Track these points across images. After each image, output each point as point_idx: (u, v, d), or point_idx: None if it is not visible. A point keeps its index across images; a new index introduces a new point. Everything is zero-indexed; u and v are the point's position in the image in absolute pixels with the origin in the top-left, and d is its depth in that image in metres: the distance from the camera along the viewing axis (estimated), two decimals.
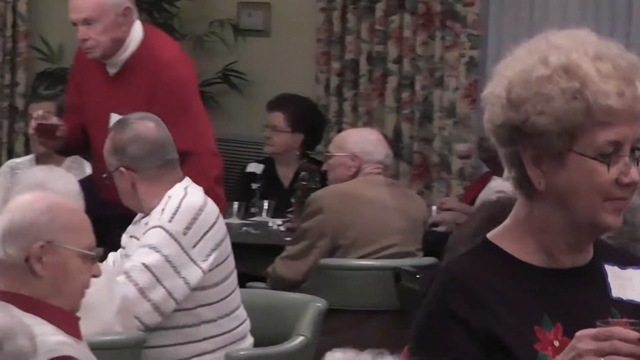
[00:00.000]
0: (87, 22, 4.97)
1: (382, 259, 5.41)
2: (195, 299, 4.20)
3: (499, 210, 3.22)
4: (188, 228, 4.25)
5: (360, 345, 2.51)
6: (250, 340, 4.38)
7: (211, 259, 4.25)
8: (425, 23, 6.71)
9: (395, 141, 6.57)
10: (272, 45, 7.65)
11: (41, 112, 5.37)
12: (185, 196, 4.31)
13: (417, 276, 5.18)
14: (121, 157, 4.37)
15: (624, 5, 6.88)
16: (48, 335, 3.00)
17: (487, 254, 2.11)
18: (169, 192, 4.29)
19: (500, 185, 5.04)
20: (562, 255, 2.00)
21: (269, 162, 6.36)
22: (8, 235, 3.23)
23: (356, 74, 6.93)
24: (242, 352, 4.24)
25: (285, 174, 6.28)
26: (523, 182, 2.04)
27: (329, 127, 6.93)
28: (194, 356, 4.20)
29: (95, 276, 3.38)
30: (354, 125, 6.81)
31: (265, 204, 5.64)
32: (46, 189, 3.91)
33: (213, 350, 4.24)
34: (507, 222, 2.14)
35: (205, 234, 4.30)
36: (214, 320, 4.27)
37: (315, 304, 4.55)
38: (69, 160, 5.77)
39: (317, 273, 5.26)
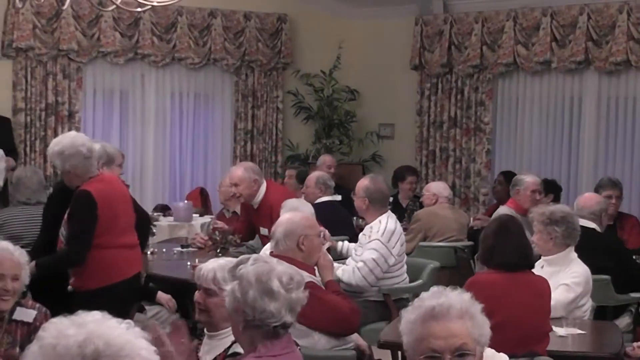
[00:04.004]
0: (234, 184, 7.86)
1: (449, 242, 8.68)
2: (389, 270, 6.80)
3: None
4: (389, 239, 6.77)
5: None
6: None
7: (396, 253, 6.83)
8: None
9: None
10: None
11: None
12: (388, 222, 6.81)
13: (465, 250, 8.65)
14: (369, 195, 6.88)
15: None
16: (303, 274, 3.94)
17: None
18: (379, 218, 6.85)
19: None
20: None
21: None
22: (286, 234, 5.06)
23: None
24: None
25: None
26: None
27: None
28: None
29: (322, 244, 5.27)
30: None
31: None
32: (299, 210, 6.19)
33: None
34: None
35: (397, 241, 6.82)
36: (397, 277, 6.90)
37: (430, 265, 7.21)
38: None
39: (419, 249, 8.54)
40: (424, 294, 2.85)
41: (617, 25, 10.25)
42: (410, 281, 7.16)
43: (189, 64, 11.81)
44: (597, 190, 8.43)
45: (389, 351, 5.73)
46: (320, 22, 12.56)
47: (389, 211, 7.04)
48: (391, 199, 9.73)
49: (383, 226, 6.82)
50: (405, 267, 7.06)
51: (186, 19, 11.70)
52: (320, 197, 8.89)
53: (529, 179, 8.34)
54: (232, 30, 12.01)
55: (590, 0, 10.52)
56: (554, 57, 10.76)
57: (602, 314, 6.56)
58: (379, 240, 6.75)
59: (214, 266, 4.09)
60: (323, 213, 7.69)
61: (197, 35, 11.80)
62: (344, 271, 6.78)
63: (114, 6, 7.29)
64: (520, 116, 11.34)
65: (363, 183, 7.02)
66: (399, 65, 12.16)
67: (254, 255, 3.52)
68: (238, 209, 8.53)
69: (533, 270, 5.33)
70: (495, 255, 5.13)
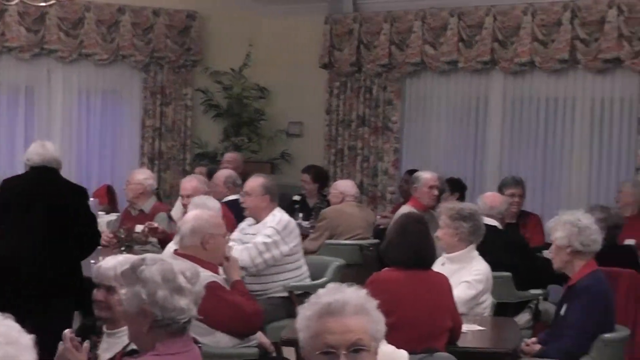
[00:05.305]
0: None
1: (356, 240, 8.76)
2: (283, 260, 6.89)
3: None
4: (284, 228, 6.92)
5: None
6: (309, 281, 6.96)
7: (292, 244, 6.93)
8: None
9: None
10: None
11: None
12: (282, 215, 6.99)
13: (370, 248, 8.67)
14: (269, 191, 6.95)
15: None
16: (206, 273, 4.60)
17: None
18: (274, 212, 6.98)
19: None
20: None
21: None
22: (192, 231, 5.09)
23: None
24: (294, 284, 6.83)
25: None
26: None
27: None
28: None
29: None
30: None
31: None
32: (207, 207, 6.35)
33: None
34: None
35: (291, 232, 6.96)
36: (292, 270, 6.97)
37: (335, 263, 7.35)
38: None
39: (325, 247, 8.57)
40: (320, 291, 2.89)
41: (522, 27, 10.45)
42: (315, 279, 7.19)
43: (96, 60, 11.73)
44: (500, 188, 8.61)
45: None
46: (230, 19, 12.57)
47: (278, 207, 7.08)
48: (298, 198, 10.04)
49: (278, 217, 6.90)
50: (303, 261, 7.10)
51: (94, 14, 11.60)
52: (228, 195, 8.87)
53: (425, 175, 8.38)
54: (140, 27, 11.94)
55: (497, 1, 10.69)
56: (460, 57, 10.93)
57: (504, 310, 6.71)
58: (272, 228, 6.81)
59: (115, 263, 4.11)
60: (231, 211, 7.73)
61: (104, 31, 11.72)
62: (236, 250, 6.67)
63: (18, 0, 7.24)
64: (428, 115, 11.46)
65: (258, 181, 7.01)
66: (308, 63, 12.24)
67: (148, 255, 3.51)
68: (145, 207, 8.44)
69: (433, 268, 5.42)
70: (390, 253, 5.24)
